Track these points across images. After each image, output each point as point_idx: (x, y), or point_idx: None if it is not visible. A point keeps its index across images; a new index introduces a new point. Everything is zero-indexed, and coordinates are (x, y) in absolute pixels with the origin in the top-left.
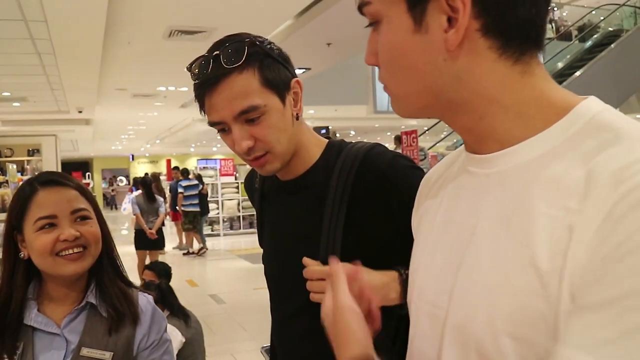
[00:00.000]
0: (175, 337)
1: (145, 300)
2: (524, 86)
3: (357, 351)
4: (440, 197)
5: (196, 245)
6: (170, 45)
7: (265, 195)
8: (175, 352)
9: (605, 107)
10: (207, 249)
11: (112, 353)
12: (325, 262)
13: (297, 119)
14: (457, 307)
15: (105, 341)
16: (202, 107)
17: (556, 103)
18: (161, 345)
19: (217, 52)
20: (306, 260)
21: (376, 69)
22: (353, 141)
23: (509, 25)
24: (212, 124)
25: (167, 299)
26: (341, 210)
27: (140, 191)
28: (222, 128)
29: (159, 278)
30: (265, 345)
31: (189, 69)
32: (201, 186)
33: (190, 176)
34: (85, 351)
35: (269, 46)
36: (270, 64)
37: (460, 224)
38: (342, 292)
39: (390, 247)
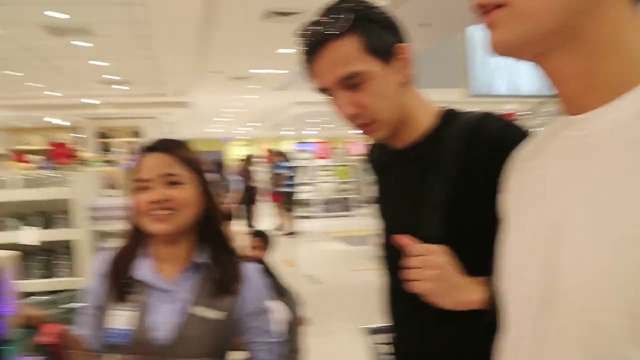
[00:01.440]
0: (281, 312)
1: (250, 268)
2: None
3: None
4: (532, 171)
5: (291, 226)
6: (266, 27)
7: (381, 166)
8: (282, 326)
9: None
10: (296, 232)
11: (221, 312)
12: (425, 239)
13: (405, 86)
14: (561, 284)
15: (212, 301)
16: (308, 74)
17: None
18: (264, 313)
19: (321, 18)
20: (399, 238)
21: (470, 49)
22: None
23: None
24: (318, 90)
25: (269, 275)
26: (448, 183)
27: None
28: (329, 94)
29: (265, 245)
30: (366, 326)
31: (297, 36)
32: (297, 169)
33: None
34: (196, 309)
35: (374, 11)
36: (374, 30)
37: (554, 195)
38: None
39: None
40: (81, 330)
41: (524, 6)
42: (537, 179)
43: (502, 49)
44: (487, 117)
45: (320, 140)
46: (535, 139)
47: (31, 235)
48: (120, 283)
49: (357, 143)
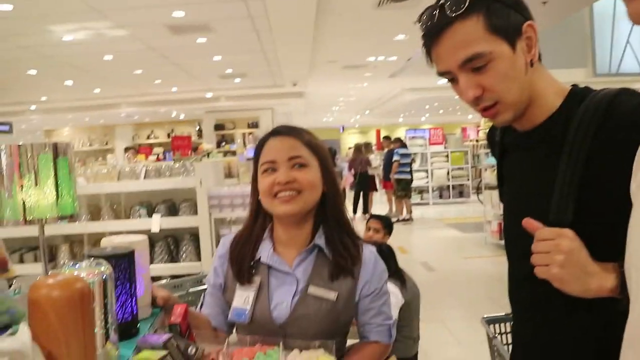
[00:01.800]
0: (397, 296)
1: (368, 250)
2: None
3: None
4: None
5: (406, 213)
6: (380, 14)
7: (505, 148)
8: (397, 312)
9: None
10: (412, 218)
11: (337, 293)
12: (554, 223)
13: (531, 65)
14: None
15: (330, 282)
16: (429, 58)
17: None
18: (381, 296)
19: (443, 0)
20: (528, 221)
21: (596, 26)
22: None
23: None
24: (440, 74)
25: (387, 262)
26: (578, 165)
27: None
28: (451, 78)
29: (384, 228)
30: (486, 316)
31: (418, 20)
32: (412, 155)
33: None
34: (312, 289)
35: None
36: (497, 9)
37: None
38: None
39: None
40: (205, 309)
41: None
42: None
43: None
44: (622, 93)
45: (435, 127)
46: None
47: (158, 223)
48: (243, 265)
49: (472, 129)
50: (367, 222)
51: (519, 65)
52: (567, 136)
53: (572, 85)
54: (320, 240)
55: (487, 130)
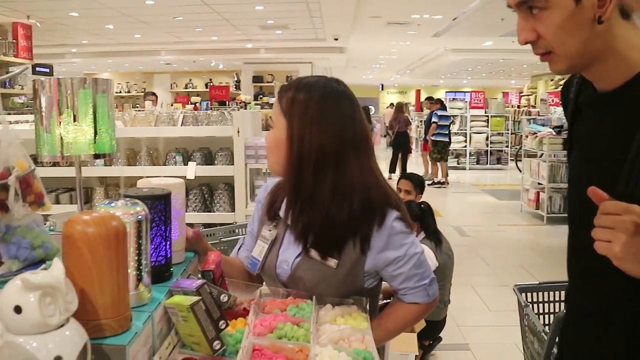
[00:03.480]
0: (431, 259)
1: (391, 216)
2: None
3: None
4: None
5: (441, 176)
6: None
7: (579, 108)
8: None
9: None
10: (448, 182)
11: (338, 261)
12: (623, 196)
13: (600, 22)
14: None
15: (332, 248)
16: None
17: None
18: (409, 260)
19: None
20: (593, 190)
21: None
22: None
23: None
24: (508, 6)
25: (425, 220)
26: None
27: None
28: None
29: (415, 188)
30: (519, 284)
31: None
32: (451, 117)
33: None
34: (313, 253)
35: None
36: None
37: None
38: None
39: None
40: (242, 252)
41: None
42: None
43: None
44: None
45: (476, 90)
46: None
47: (193, 170)
48: (269, 216)
49: (514, 94)
50: (398, 183)
51: (581, 19)
52: None
53: None
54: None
55: (562, 86)
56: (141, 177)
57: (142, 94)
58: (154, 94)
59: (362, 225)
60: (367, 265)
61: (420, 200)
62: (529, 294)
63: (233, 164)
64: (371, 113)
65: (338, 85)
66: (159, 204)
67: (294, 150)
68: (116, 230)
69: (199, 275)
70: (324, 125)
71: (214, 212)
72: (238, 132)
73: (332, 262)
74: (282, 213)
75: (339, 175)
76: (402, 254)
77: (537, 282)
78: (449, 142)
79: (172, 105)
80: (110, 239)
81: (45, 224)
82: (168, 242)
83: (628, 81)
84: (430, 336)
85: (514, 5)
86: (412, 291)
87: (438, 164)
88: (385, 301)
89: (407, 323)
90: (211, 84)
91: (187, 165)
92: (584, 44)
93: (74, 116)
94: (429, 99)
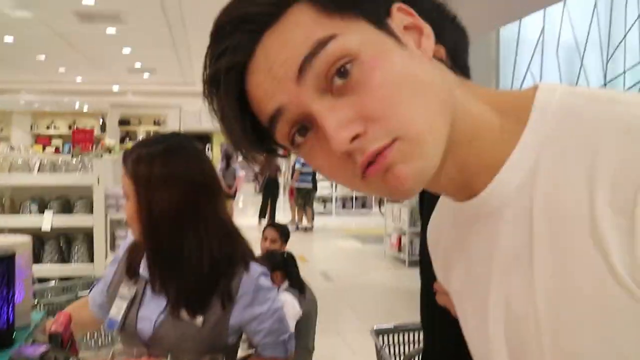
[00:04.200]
0: (294, 308)
1: (254, 271)
2: (481, 97)
3: None
4: (454, 262)
5: (306, 222)
6: None
7: None
8: (293, 324)
9: (559, 89)
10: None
11: (204, 318)
12: None
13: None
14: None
15: (198, 305)
16: None
17: (512, 100)
18: (270, 315)
19: None
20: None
21: (501, 50)
22: None
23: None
24: None
25: (289, 268)
26: None
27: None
28: None
29: (280, 237)
30: (376, 327)
31: None
32: None
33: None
34: (177, 310)
35: None
36: None
37: (478, 278)
38: None
39: None
40: (92, 293)
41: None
42: (464, 269)
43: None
44: None
45: None
46: (439, 222)
47: (49, 220)
48: (128, 274)
49: None
50: (264, 231)
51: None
52: None
53: None
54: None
55: None
56: None
57: None
58: None
59: (226, 280)
60: (232, 320)
61: (284, 249)
62: (385, 336)
63: (92, 214)
64: (235, 158)
65: (179, 139)
66: (1, 266)
67: (148, 217)
68: None
69: (47, 339)
70: (172, 182)
71: (72, 264)
72: (98, 180)
73: (198, 320)
74: (142, 271)
75: (196, 230)
76: (266, 309)
77: (393, 325)
78: (314, 189)
79: (31, 146)
80: None
81: None
82: (10, 306)
83: None
84: None
85: None
86: (273, 346)
87: (303, 209)
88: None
89: None
90: (75, 126)
91: (43, 214)
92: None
93: None
94: None
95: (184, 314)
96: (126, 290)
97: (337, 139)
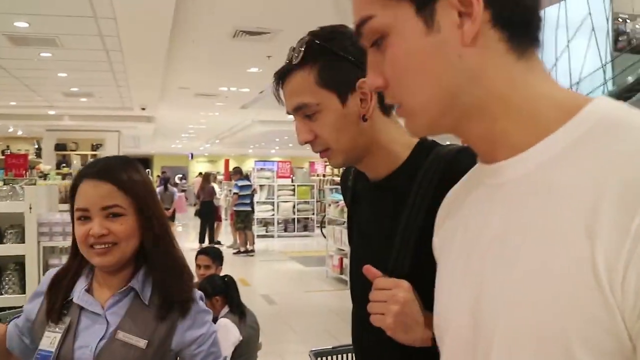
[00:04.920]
0: (234, 333)
1: (195, 295)
2: (531, 84)
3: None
4: (458, 216)
5: (248, 245)
6: (235, 45)
7: (356, 194)
8: (231, 349)
9: (618, 106)
10: (254, 250)
11: (147, 341)
12: (393, 273)
13: (364, 120)
14: (494, 325)
15: (143, 328)
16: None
17: (564, 102)
18: (208, 338)
19: (293, 47)
20: (368, 268)
21: None
22: (447, 143)
23: (513, 14)
24: (287, 112)
25: (229, 293)
26: (418, 217)
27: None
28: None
29: (214, 262)
30: (314, 349)
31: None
32: (253, 187)
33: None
34: (121, 335)
35: (339, 44)
36: (333, 63)
37: (478, 239)
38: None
39: None
40: (11, 345)
41: (414, 103)
42: (465, 225)
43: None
44: (463, 151)
45: (283, 160)
46: (462, 182)
47: None
48: (55, 303)
49: (319, 164)
50: (196, 259)
51: (349, 118)
52: (412, 188)
53: (421, 138)
54: (136, 283)
55: (341, 174)
56: None
57: None
58: None
59: (174, 300)
60: (173, 344)
61: (220, 272)
62: (324, 358)
63: (24, 242)
64: (177, 181)
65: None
66: None
67: (154, 227)
68: None
69: None
70: (156, 197)
71: (3, 294)
72: (30, 208)
73: (142, 343)
74: (76, 299)
75: (172, 246)
76: (205, 331)
77: (332, 347)
78: (252, 211)
79: None
80: None
81: None
82: None
83: (393, 172)
84: None
85: (292, 112)
86: None
87: (244, 232)
88: None
89: None
90: (8, 151)
91: None
92: (354, 139)
93: None
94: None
95: (126, 337)
96: (55, 329)
97: (368, 83)
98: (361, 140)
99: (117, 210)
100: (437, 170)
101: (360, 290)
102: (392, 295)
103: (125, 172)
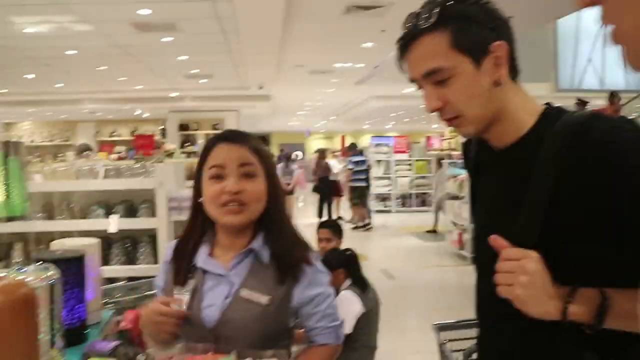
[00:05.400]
0: (356, 306)
1: (312, 256)
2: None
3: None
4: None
5: (365, 220)
6: (348, 21)
7: (479, 165)
8: (354, 321)
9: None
10: (372, 225)
11: (270, 297)
12: (520, 243)
13: (498, 85)
14: None
15: (264, 286)
16: (401, 64)
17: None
18: (325, 298)
19: (418, 11)
20: (495, 238)
21: (559, 42)
22: (573, 109)
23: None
24: (410, 81)
25: (351, 266)
26: (546, 187)
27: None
28: (419, 86)
29: (334, 235)
30: (437, 322)
31: (402, 25)
32: (367, 162)
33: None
34: (244, 292)
35: (472, 7)
36: (466, 26)
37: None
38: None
39: (605, 239)
40: None
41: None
42: None
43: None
44: (595, 117)
45: (400, 135)
46: None
47: (115, 224)
48: (182, 269)
49: (436, 138)
50: (317, 232)
51: (482, 83)
52: (538, 157)
53: (546, 104)
54: (257, 244)
55: (463, 145)
56: (61, 232)
57: (66, 143)
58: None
59: (293, 260)
60: (293, 301)
61: (340, 246)
62: (447, 332)
63: (156, 217)
64: (298, 158)
65: None
66: (72, 266)
67: (277, 190)
68: (24, 298)
69: (117, 335)
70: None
71: (138, 265)
72: (160, 184)
73: (264, 299)
74: (200, 263)
75: (288, 214)
76: (322, 291)
77: (455, 320)
78: (368, 187)
79: (96, 154)
80: (17, 308)
81: None
82: (82, 304)
83: (517, 141)
84: None
85: (421, 79)
86: (326, 331)
87: (359, 208)
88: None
89: None
90: (136, 132)
91: (108, 218)
92: (485, 106)
93: None
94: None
95: (249, 294)
96: (182, 292)
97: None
98: (492, 106)
99: (251, 169)
100: (565, 137)
101: (485, 261)
102: (520, 266)
103: (255, 141)
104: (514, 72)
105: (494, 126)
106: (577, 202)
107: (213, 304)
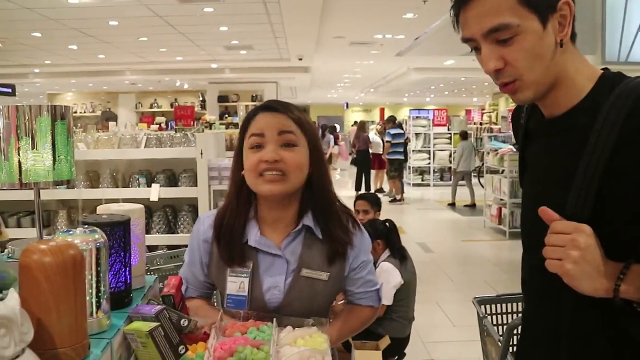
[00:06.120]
0: (395, 277)
1: (358, 227)
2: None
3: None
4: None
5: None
6: None
7: (529, 132)
8: (393, 292)
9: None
10: (403, 199)
11: (329, 273)
12: (572, 216)
13: (561, 45)
14: None
15: (321, 262)
16: (456, 23)
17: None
18: (367, 265)
19: None
20: (544, 210)
21: (607, 15)
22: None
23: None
24: (464, 40)
25: (390, 237)
26: (602, 158)
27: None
28: (475, 46)
29: (372, 207)
30: (477, 296)
31: None
32: (406, 135)
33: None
34: (305, 272)
35: None
36: None
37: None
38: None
39: None
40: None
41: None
42: None
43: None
44: None
45: (439, 107)
46: None
47: (157, 192)
48: (234, 249)
49: (476, 111)
50: (354, 204)
51: (547, 43)
52: (595, 124)
53: (604, 68)
54: (308, 220)
55: (513, 112)
56: (104, 199)
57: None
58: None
59: (343, 237)
60: (346, 270)
61: (379, 217)
62: (487, 306)
63: (196, 186)
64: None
65: None
66: (118, 230)
67: (320, 159)
68: (73, 259)
69: (160, 300)
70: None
71: (178, 233)
72: (201, 153)
73: (324, 275)
74: (253, 242)
75: (332, 185)
76: (366, 258)
77: (496, 295)
78: (405, 160)
79: (137, 125)
80: (67, 268)
81: (3, 252)
82: (127, 268)
83: (573, 107)
84: (395, 353)
85: (480, 37)
86: (368, 295)
87: (397, 181)
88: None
89: (363, 325)
90: (176, 104)
91: (150, 187)
92: (548, 68)
93: (33, 143)
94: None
95: (310, 273)
96: (239, 274)
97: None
98: (553, 70)
99: (291, 138)
100: (624, 104)
101: (533, 234)
102: (571, 240)
103: (298, 111)
104: (573, 34)
105: (552, 91)
106: (636, 174)
107: (275, 285)
